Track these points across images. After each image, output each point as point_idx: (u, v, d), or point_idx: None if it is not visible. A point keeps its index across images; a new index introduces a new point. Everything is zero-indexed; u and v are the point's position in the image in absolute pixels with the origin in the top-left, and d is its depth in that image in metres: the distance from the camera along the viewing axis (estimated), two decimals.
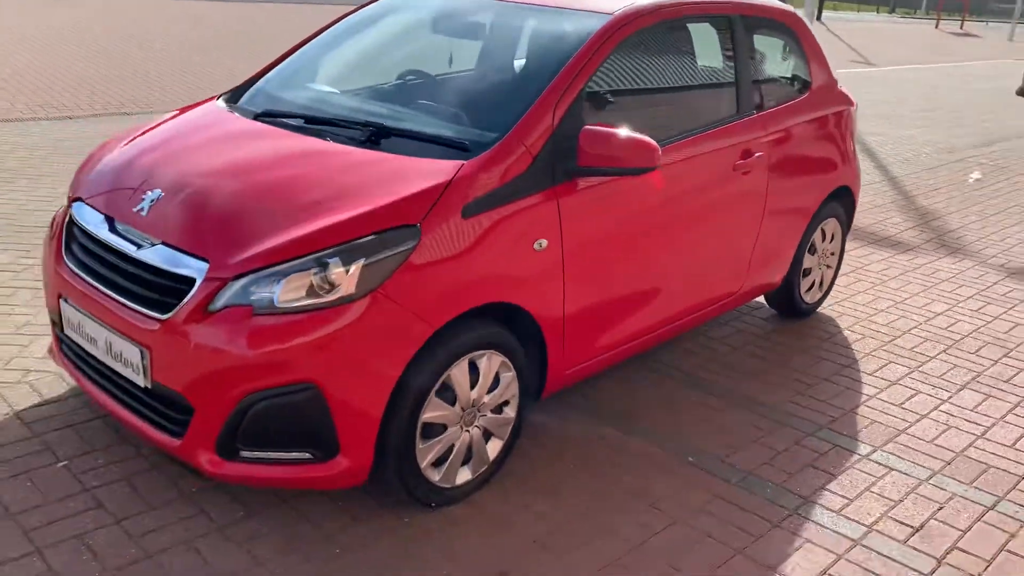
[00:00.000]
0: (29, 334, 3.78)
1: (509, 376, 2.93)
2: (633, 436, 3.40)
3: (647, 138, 2.95)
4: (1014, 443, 3.58)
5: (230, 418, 2.51)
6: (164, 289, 2.61)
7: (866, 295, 5.15)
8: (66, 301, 2.89)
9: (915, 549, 2.86)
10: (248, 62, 11.67)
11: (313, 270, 2.49)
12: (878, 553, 2.82)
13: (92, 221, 2.89)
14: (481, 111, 3.18)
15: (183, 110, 3.51)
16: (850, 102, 4.67)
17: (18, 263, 4.52)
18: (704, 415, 3.62)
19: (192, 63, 11.48)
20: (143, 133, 3.30)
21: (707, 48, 3.86)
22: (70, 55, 11.28)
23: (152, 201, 2.77)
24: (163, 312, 2.56)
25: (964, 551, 2.88)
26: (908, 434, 3.58)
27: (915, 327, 4.70)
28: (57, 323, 3.02)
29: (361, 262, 2.51)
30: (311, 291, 2.48)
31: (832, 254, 4.75)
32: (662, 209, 3.40)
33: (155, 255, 2.64)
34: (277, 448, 2.56)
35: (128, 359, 2.64)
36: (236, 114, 3.36)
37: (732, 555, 2.76)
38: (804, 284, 4.58)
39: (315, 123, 3.17)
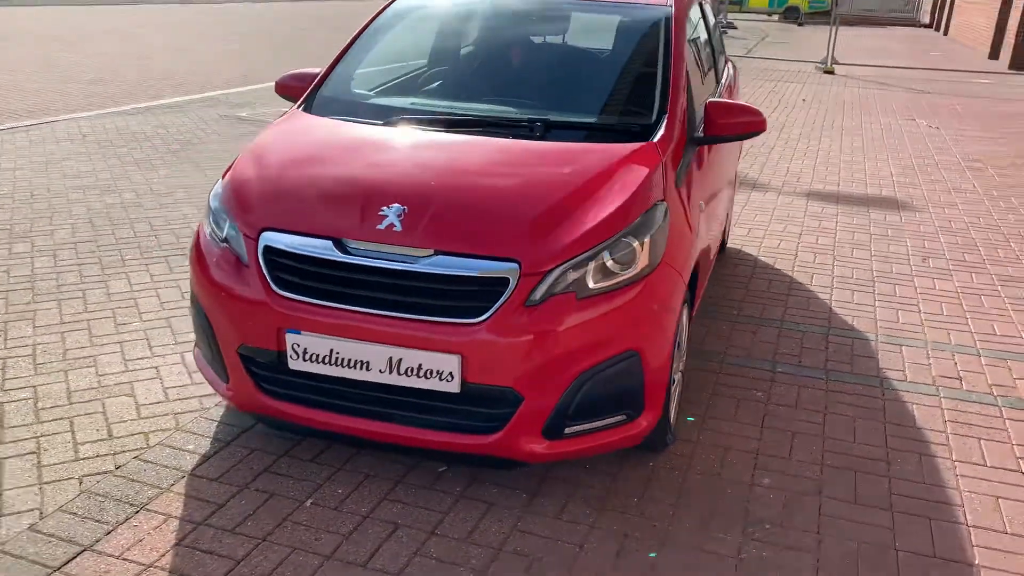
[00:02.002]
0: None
1: (684, 315, 3.33)
2: None
3: (754, 106, 3.50)
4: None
5: (562, 398, 2.67)
6: (462, 294, 2.66)
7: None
8: (299, 333, 2.77)
9: None
10: None
11: (612, 252, 2.72)
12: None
13: (314, 247, 2.79)
14: (625, 99, 3.51)
15: (278, 126, 3.42)
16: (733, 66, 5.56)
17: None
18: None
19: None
20: (290, 156, 3.16)
21: (701, 24, 4.48)
22: None
23: (399, 215, 2.75)
24: (474, 316, 2.63)
25: None
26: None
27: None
28: (264, 361, 2.86)
29: (647, 238, 2.79)
30: (611, 271, 2.71)
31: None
32: (710, 168, 3.95)
33: (440, 265, 2.66)
34: (598, 417, 2.76)
35: (433, 369, 2.64)
36: (365, 123, 3.36)
37: None
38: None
39: (480, 125, 3.31)
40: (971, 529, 2.82)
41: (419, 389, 2.69)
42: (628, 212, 2.79)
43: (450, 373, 2.63)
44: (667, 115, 3.28)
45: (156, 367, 3.71)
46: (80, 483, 2.90)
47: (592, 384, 2.68)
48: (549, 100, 3.55)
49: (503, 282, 2.63)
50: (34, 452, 3.06)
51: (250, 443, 3.17)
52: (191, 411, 3.37)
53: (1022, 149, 9.46)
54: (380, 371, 2.70)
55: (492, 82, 3.72)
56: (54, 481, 2.91)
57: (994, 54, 20.05)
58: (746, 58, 18.22)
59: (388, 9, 4.08)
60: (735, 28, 26.96)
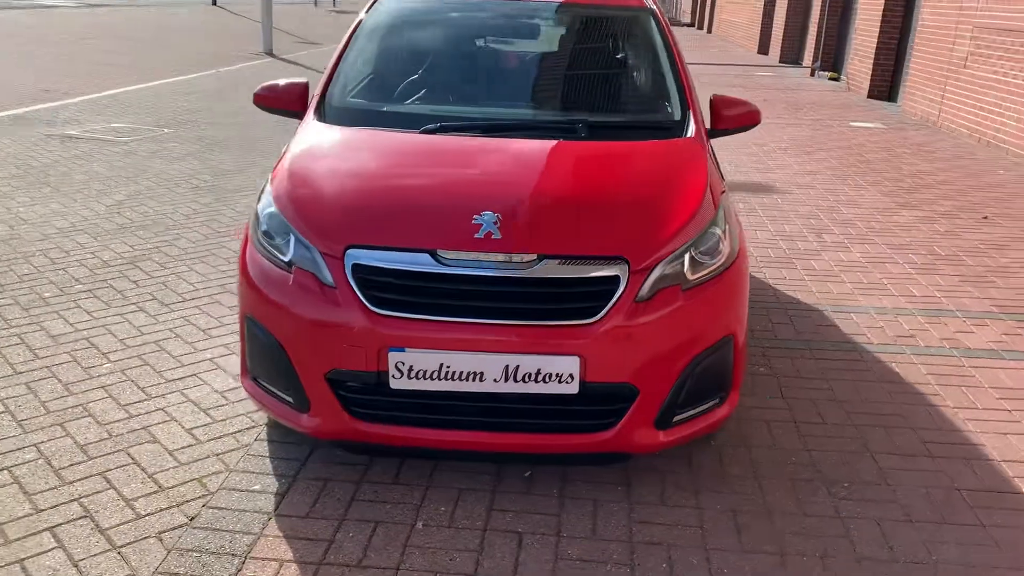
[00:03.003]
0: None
1: None
2: None
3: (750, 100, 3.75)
4: None
5: (673, 388, 2.75)
6: (575, 296, 2.67)
7: None
8: (403, 351, 2.67)
9: None
10: None
11: (700, 243, 2.84)
12: None
13: (411, 261, 2.69)
14: (649, 97, 3.63)
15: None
16: None
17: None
18: None
19: None
20: (350, 169, 3.06)
21: None
22: None
23: (495, 223, 2.71)
24: (588, 316, 2.65)
25: None
26: None
27: None
28: (359, 384, 2.72)
29: (726, 227, 2.94)
30: (699, 262, 2.83)
31: None
32: None
33: (552, 270, 2.67)
34: (700, 403, 2.86)
35: (552, 373, 2.62)
36: (407, 132, 3.29)
37: None
38: None
39: (523, 128, 3.33)
40: (1003, 463, 3.21)
41: (534, 395, 2.69)
42: (712, 204, 2.93)
43: (570, 375, 2.65)
44: (691, 110, 3.45)
45: (163, 408, 3.40)
46: (161, 541, 2.63)
47: (698, 371, 2.79)
48: (576, 101, 3.63)
49: (614, 280, 2.68)
50: (84, 516, 2.74)
51: (318, 474, 3.00)
52: (232, 449, 3.13)
53: (831, 134, 10.55)
54: (495, 380, 2.66)
55: (509, 85, 3.73)
56: (130, 543, 2.62)
57: (763, 50, 22.05)
58: None
59: (373, 11, 3.96)
60: None
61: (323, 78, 3.64)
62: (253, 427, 3.28)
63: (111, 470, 2.98)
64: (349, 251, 2.72)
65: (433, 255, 2.69)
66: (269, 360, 2.86)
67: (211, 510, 2.79)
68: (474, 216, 2.74)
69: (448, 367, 2.65)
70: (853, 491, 3.00)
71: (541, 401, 2.70)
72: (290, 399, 2.84)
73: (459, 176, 2.96)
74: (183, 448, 3.13)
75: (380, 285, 2.69)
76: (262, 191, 3.09)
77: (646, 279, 2.70)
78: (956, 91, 10.63)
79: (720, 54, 22.37)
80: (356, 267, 2.71)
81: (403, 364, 2.66)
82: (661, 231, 2.79)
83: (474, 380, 2.66)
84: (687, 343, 2.75)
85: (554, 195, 2.87)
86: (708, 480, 3.04)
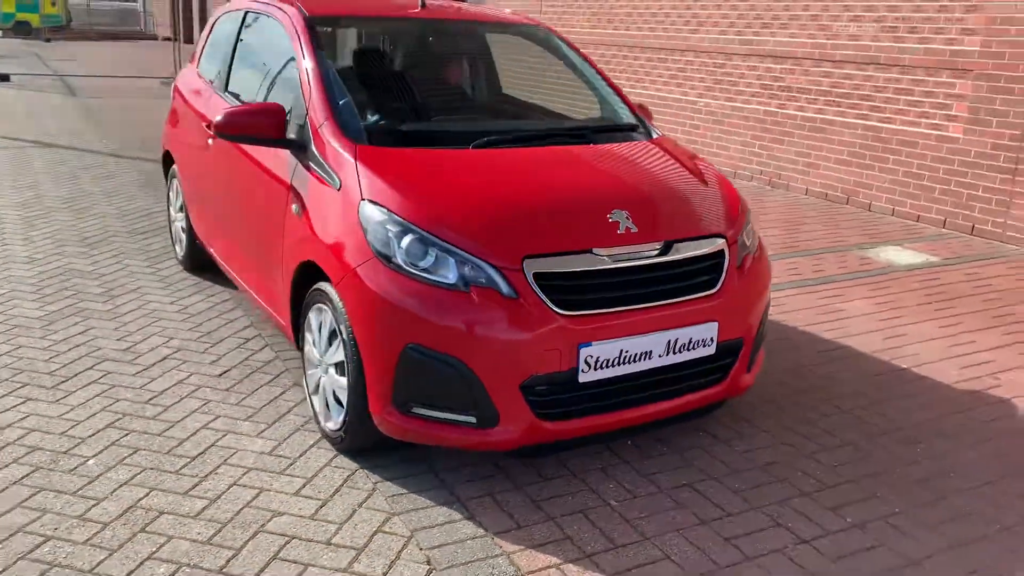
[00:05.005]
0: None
1: None
2: None
3: None
4: None
5: (757, 335, 3.36)
6: (696, 272, 3.13)
7: None
8: (590, 345, 2.85)
9: None
10: None
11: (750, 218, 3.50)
12: None
13: (579, 262, 2.90)
14: (607, 101, 4.04)
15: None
16: None
17: None
18: None
19: None
20: (461, 187, 3.13)
21: None
22: None
23: (627, 218, 3.03)
24: (712, 286, 3.14)
25: None
26: None
27: None
28: (551, 385, 2.85)
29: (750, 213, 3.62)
30: (749, 234, 3.47)
31: None
32: None
33: (680, 251, 3.08)
34: (760, 345, 3.50)
35: (698, 339, 3.05)
36: (458, 149, 3.38)
37: None
38: None
39: (545, 137, 3.62)
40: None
41: (684, 362, 3.11)
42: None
43: (710, 338, 3.13)
44: (634, 111, 4.02)
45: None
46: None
47: (764, 319, 3.45)
48: (551, 111, 3.95)
49: (721, 253, 3.22)
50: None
51: (476, 492, 3.01)
52: (368, 495, 2.96)
53: None
54: (659, 356, 3.03)
55: (491, 100, 3.91)
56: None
57: None
58: (78, 77, 17.08)
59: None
60: None
61: (318, 102, 3.44)
62: (355, 472, 3.10)
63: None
64: (526, 261, 2.84)
65: (589, 253, 2.94)
66: (446, 384, 2.82)
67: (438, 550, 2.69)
68: (608, 215, 3.04)
69: (626, 352, 2.95)
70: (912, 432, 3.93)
71: (687, 367, 3.13)
72: (471, 418, 2.84)
73: (570, 181, 3.20)
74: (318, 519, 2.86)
75: (559, 288, 2.87)
76: (366, 221, 2.96)
77: (738, 251, 3.28)
78: None
79: None
80: (537, 275, 2.84)
81: (591, 357, 2.89)
82: (731, 209, 3.38)
83: (645, 359, 3.00)
84: (762, 297, 3.39)
85: (650, 188, 3.28)
86: (800, 442, 3.71)
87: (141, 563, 2.58)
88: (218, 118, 3.40)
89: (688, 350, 3.08)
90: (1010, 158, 6.50)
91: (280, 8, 3.98)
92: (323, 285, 3.15)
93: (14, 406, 3.50)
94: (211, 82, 4.66)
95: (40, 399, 3.57)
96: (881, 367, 4.18)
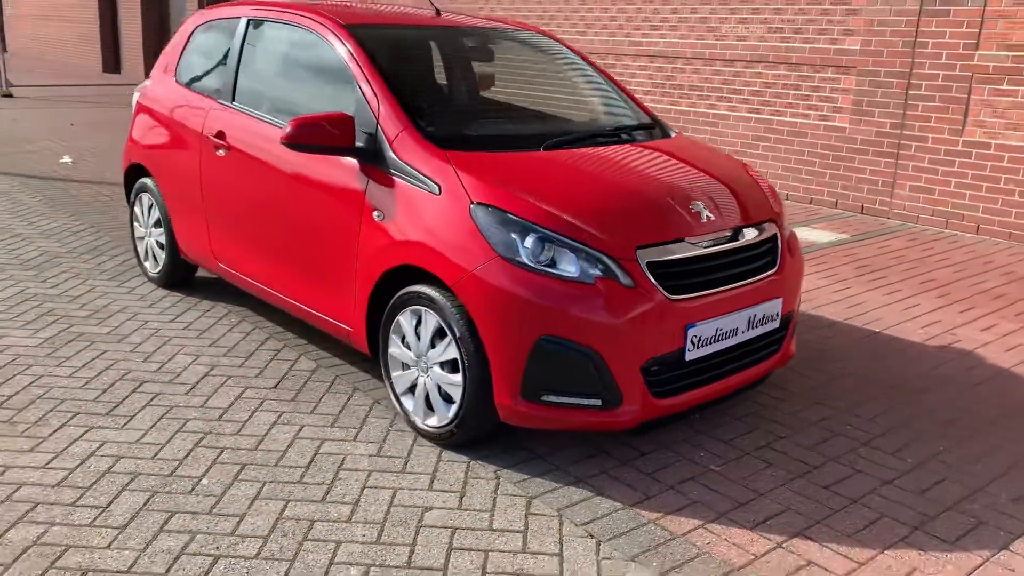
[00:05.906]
0: None
1: None
2: None
3: None
4: None
5: (797, 310, 3.77)
6: (762, 254, 3.49)
7: None
8: (695, 325, 3.14)
9: None
10: None
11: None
12: None
13: (680, 250, 3.18)
14: (625, 103, 4.28)
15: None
16: None
17: None
18: None
19: None
20: (569, 184, 3.33)
21: None
22: None
23: (705, 209, 3.34)
24: (773, 266, 3.51)
25: None
26: None
27: None
28: (663, 365, 3.10)
29: None
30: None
31: None
32: None
33: (746, 236, 3.42)
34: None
35: (769, 314, 3.42)
36: (533, 151, 3.58)
37: None
38: None
39: (599, 136, 3.87)
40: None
41: (760, 335, 3.46)
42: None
43: (776, 313, 3.51)
44: (647, 112, 4.34)
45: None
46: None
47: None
48: (590, 110, 4.19)
49: (776, 237, 3.60)
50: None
51: (582, 474, 3.22)
52: (488, 487, 3.11)
53: None
54: (742, 332, 3.37)
55: (523, 105, 4.11)
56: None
57: (115, 68, 21.22)
58: None
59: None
60: None
61: (388, 112, 3.51)
62: (471, 463, 3.23)
63: None
64: (639, 251, 3.09)
65: (683, 241, 3.23)
66: (576, 370, 3.02)
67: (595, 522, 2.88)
68: (691, 207, 3.34)
69: (720, 329, 3.27)
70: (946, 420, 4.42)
71: (760, 340, 3.49)
72: (597, 402, 3.05)
73: (651, 176, 3.45)
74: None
75: (667, 275, 3.14)
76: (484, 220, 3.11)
77: (785, 234, 3.67)
78: None
79: (68, 74, 20.77)
80: (649, 264, 3.09)
81: (696, 337, 3.18)
82: (773, 196, 3.76)
83: (733, 335, 3.33)
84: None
85: (715, 180, 3.59)
86: (840, 426, 4.12)
87: (326, 570, 2.61)
88: (288, 129, 3.39)
89: (762, 324, 3.43)
90: (892, 144, 7.36)
91: (310, 17, 3.98)
92: (422, 288, 3.24)
93: (82, 436, 3.35)
94: (205, 94, 4.53)
95: (104, 427, 3.43)
96: (861, 332, 4.73)
